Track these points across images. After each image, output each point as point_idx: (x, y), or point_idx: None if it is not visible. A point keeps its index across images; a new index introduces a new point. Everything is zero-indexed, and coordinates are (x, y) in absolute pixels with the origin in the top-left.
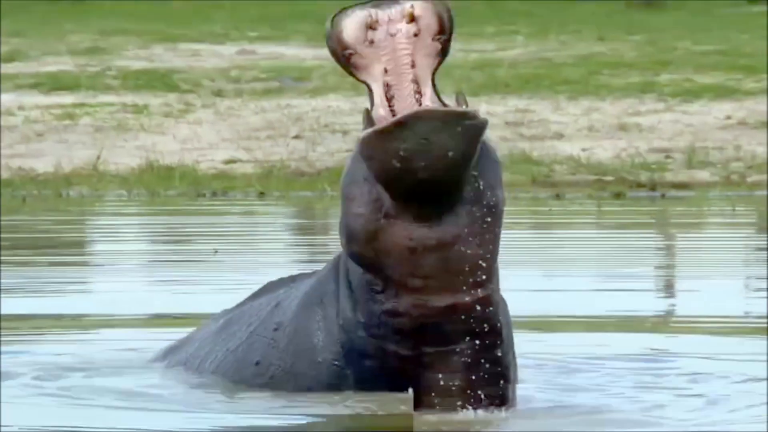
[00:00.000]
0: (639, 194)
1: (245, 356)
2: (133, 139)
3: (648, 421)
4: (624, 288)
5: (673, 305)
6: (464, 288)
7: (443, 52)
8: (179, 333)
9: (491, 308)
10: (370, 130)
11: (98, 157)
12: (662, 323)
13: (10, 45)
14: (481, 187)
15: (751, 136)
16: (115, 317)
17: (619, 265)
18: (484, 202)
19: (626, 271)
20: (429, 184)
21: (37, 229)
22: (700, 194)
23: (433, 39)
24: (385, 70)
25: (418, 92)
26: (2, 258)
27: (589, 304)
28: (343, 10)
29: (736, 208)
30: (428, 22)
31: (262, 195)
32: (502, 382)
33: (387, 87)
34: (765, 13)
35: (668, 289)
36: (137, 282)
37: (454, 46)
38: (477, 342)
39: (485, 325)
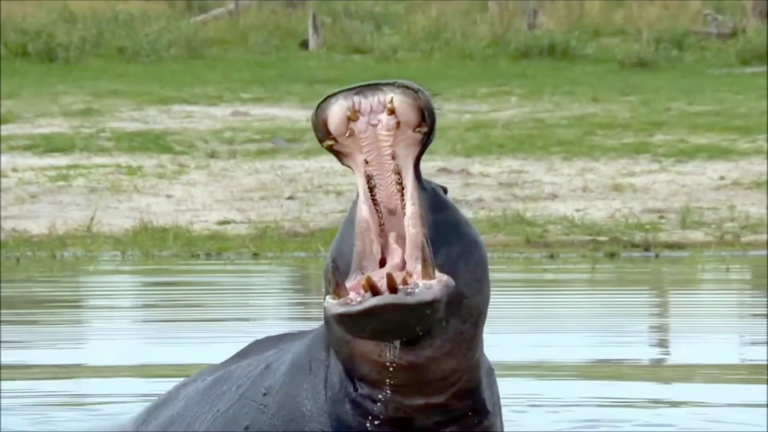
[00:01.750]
0: (633, 254)
1: (235, 419)
2: (126, 200)
3: None
4: (617, 342)
5: (667, 355)
6: (440, 390)
7: (425, 142)
8: (168, 383)
9: (472, 395)
10: (333, 307)
11: (92, 219)
12: (656, 371)
13: (4, 107)
14: (463, 302)
15: (745, 197)
16: (105, 367)
17: (614, 323)
18: (463, 314)
19: (620, 329)
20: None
21: (32, 290)
22: (694, 254)
23: (414, 130)
24: (366, 162)
25: (399, 183)
26: None
27: (582, 355)
28: (328, 98)
29: (730, 269)
30: (408, 114)
31: (255, 256)
32: None
33: (369, 177)
34: (758, 74)
35: (662, 343)
36: (129, 339)
37: (448, 107)
38: (461, 425)
39: (468, 411)
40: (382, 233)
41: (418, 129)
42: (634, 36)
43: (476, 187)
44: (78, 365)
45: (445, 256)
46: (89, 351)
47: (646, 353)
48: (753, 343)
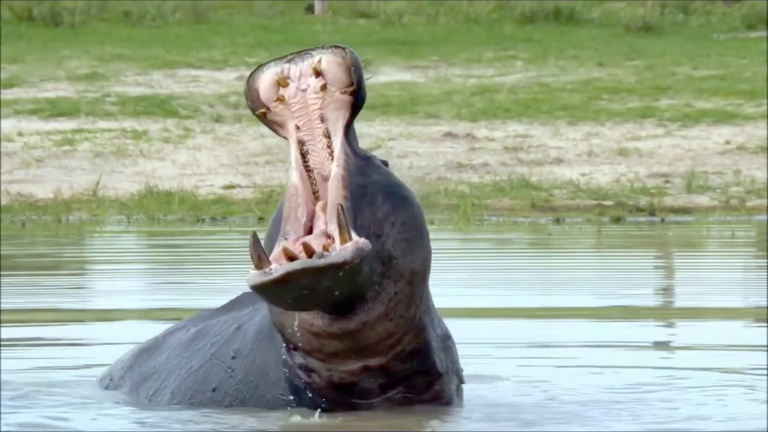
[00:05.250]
0: (638, 219)
1: (205, 379)
2: (132, 164)
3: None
4: (623, 294)
5: (671, 303)
6: (378, 353)
7: (355, 104)
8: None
9: (418, 356)
10: (252, 278)
11: (98, 183)
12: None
13: (9, 71)
14: (392, 262)
15: (751, 161)
16: (110, 310)
17: (619, 285)
18: (394, 275)
19: (625, 290)
20: (322, 307)
21: (37, 254)
22: (699, 219)
23: (342, 92)
24: (297, 127)
25: (330, 147)
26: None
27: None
28: (260, 66)
29: (736, 233)
30: (335, 74)
31: (261, 220)
32: (442, 403)
33: (301, 143)
34: (763, 38)
35: (667, 292)
36: (132, 293)
37: (453, 71)
38: (407, 386)
39: (414, 373)
40: (316, 200)
41: (346, 90)
42: (640, 0)
43: (481, 151)
44: (82, 310)
45: (371, 218)
46: (93, 302)
47: (651, 302)
48: (756, 295)
